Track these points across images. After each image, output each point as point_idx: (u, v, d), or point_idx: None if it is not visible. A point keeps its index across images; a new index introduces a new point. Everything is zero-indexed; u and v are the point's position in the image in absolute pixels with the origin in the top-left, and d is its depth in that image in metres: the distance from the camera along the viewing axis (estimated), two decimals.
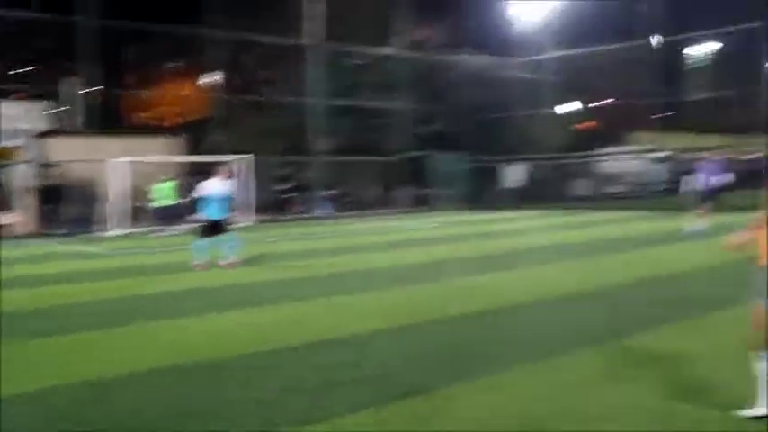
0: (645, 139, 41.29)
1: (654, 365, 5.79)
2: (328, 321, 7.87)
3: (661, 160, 37.92)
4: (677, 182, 33.37)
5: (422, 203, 32.75)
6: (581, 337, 6.87)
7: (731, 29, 35.38)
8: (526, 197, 33.20)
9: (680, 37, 41.37)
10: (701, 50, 52.50)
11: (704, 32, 41.83)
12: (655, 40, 36.84)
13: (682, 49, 50.81)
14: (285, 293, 9.77)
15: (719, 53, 51.97)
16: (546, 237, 17.99)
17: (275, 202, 29.65)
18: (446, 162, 33.91)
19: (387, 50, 34.85)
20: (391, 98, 34.51)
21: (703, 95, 50.29)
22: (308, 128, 31.80)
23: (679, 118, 49.25)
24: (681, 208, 12.39)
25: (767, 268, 4.50)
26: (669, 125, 46.09)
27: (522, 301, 8.82)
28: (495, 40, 38.46)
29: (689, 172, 13.97)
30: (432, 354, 6.38)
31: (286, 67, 33.95)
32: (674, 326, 7.25)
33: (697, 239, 14.86)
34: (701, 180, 17.29)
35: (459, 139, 34.78)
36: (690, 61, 53.74)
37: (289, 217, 28.17)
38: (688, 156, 34.93)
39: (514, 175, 34.63)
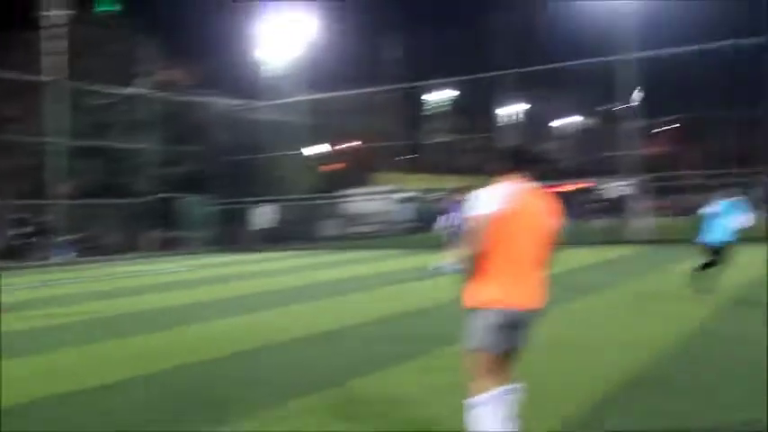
0: (389, 179, 43.77)
1: (375, 409, 5.81)
2: (80, 370, 7.72)
3: (405, 200, 40.36)
4: (422, 220, 35.84)
5: (170, 246, 32.21)
6: (304, 381, 6.77)
7: (466, 77, 38.47)
8: (276, 238, 33.74)
9: (420, 83, 44.43)
10: (440, 97, 56.47)
11: (443, 80, 45.15)
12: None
13: (422, 96, 54.48)
14: (29, 345, 9.37)
15: (456, 100, 56.28)
16: (293, 277, 18.40)
17: (10, 248, 27.76)
18: (195, 204, 33.70)
19: (133, 90, 34.09)
20: (138, 139, 33.73)
21: (442, 139, 54.41)
22: (49, 169, 30.17)
23: (420, 160, 52.75)
24: (440, 245, 13.26)
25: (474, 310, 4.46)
26: (411, 167, 49.11)
27: (257, 344, 8.84)
28: (245, 82, 39.09)
29: (442, 211, 15.20)
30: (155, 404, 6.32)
31: (26, 104, 32.00)
32: (407, 364, 7.41)
33: (444, 275, 15.92)
34: (451, 218, 18.79)
35: (209, 181, 34.75)
36: (429, 107, 57.75)
37: (26, 263, 26.47)
38: (430, 196, 37.61)
39: (264, 216, 35.15)
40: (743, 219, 11.81)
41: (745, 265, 13.51)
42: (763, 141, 29.72)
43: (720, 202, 11.86)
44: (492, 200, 4.37)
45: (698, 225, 12.05)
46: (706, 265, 11.84)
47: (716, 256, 11.76)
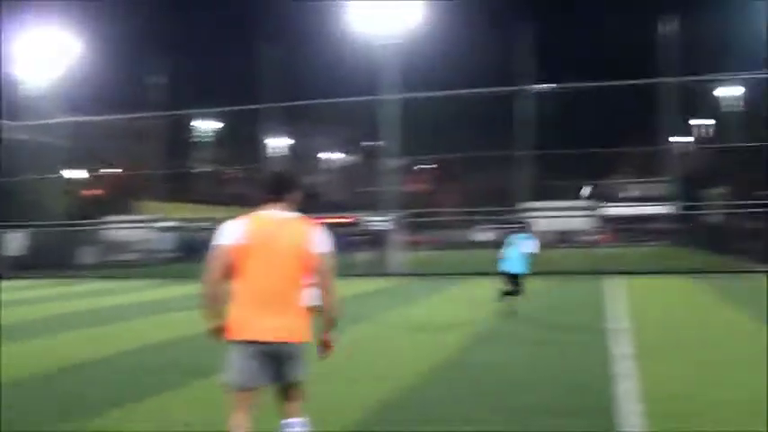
0: (152, 208, 42.45)
1: None
2: None
3: (167, 229, 39.35)
4: (184, 250, 35.34)
5: None
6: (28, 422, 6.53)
7: (234, 108, 38.52)
8: (28, 265, 31.65)
9: (186, 112, 43.72)
10: (206, 126, 55.57)
11: (209, 110, 44.72)
12: None
13: (188, 124, 53.33)
14: None
15: (222, 130, 55.63)
16: (43, 307, 17.53)
17: None
18: None
19: None
20: None
21: (207, 168, 53.74)
22: None
23: (184, 189, 51.64)
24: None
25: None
26: (175, 195, 47.88)
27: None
28: (1, 101, 36.38)
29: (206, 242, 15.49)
30: None
31: None
32: (154, 397, 7.34)
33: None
34: None
35: None
36: (195, 136, 56.67)
37: None
38: (194, 225, 37.07)
39: (15, 242, 32.85)
40: (531, 245, 14.04)
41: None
42: (516, 180, 32.65)
43: (514, 235, 14.20)
44: (236, 231, 4.38)
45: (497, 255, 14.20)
46: (507, 293, 13.87)
47: (515, 284, 13.81)
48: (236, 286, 4.37)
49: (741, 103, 40.41)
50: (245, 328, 4.32)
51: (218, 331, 4.43)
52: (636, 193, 53.70)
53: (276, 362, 4.36)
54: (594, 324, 12.64)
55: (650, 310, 15.27)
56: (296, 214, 4.55)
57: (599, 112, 47.09)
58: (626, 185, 55.06)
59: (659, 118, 28.52)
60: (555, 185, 55.12)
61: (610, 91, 32.14)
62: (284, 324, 4.35)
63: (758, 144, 33.02)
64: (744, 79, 33.79)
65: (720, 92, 40.86)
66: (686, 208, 40.59)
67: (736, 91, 40.24)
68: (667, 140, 34.47)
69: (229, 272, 4.35)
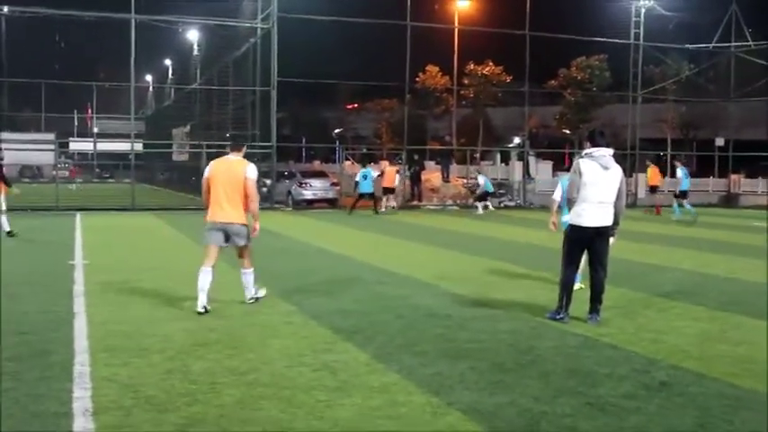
0: None
1: None
2: None
3: None
4: None
5: None
6: None
7: None
8: None
9: None
10: None
11: None
12: None
13: None
14: None
15: None
16: None
17: None
18: None
19: None
20: None
21: None
22: None
23: None
24: None
25: None
26: None
27: None
28: None
29: None
30: None
31: None
32: None
33: None
34: None
35: None
36: None
37: None
38: None
39: None
40: None
41: None
42: None
43: None
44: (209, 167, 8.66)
45: None
46: None
47: None
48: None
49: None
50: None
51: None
52: (105, 129, 53.32)
53: (226, 233, 8.50)
54: (64, 260, 12.58)
55: (114, 246, 15.60)
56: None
57: (70, 42, 45.47)
58: (95, 120, 54.28)
59: (127, 54, 28.57)
60: (19, 117, 51.88)
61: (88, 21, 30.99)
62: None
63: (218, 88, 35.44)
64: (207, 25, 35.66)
65: (192, 35, 42.62)
66: (151, 146, 41.85)
67: (193, 35, 42.51)
68: (140, 78, 34.85)
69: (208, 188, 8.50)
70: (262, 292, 9.01)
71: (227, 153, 8.77)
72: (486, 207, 28.20)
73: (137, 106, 35.00)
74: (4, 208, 16.55)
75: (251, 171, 8.43)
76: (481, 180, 29.07)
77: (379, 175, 27.64)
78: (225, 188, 8.34)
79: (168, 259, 13.43)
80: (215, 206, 8.41)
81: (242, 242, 8.53)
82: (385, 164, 29.31)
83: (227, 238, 8.47)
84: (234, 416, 5.04)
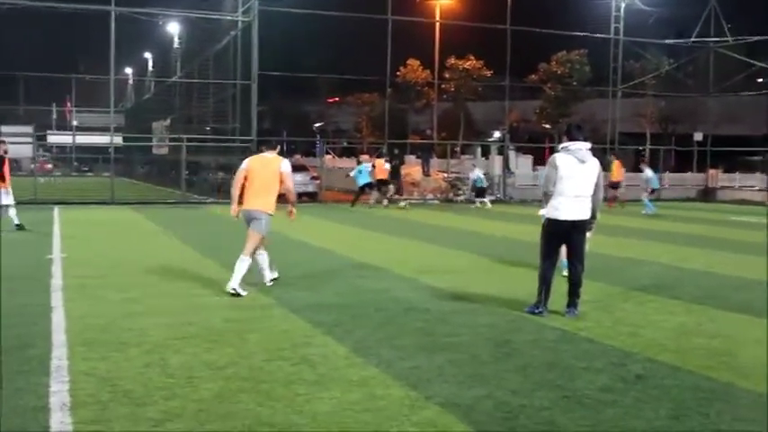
0: None
1: None
2: None
3: None
4: None
5: None
6: None
7: None
8: None
9: None
10: None
11: None
12: None
13: None
14: None
15: None
16: None
17: None
18: None
19: None
20: None
21: None
22: None
23: None
24: None
25: None
26: None
27: None
28: None
29: None
30: None
31: None
32: None
33: None
34: None
35: None
36: None
37: None
38: None
39: None
40: None
41: None
42: None
43: None
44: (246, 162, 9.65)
45: None
46: None
47: None
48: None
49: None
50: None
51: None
52: (84, 122, 52.93)
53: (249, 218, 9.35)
54: (42, 255, 12.50)
55: (92, 240, 15.50)
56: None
57: (49, 34, 45.05)
58: (74, 113, 53.82)
59: (107, 47, 28.33)
60: None
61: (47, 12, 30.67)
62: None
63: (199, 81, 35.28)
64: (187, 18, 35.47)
65: (172, 28, 42.39)
66: (131, 139, 41.56)
67: (173, 28, 42.28)
68: (120, 71, 34.53)
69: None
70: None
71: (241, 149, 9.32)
72: (482, 202, 28.37)
73: (116, 99, 34.72)
74: (12, 202, 16.51)
75: (285, 165, 9.43)
76: (477, 174, 29.26)
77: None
78: (261, 181, 9.26)
79: (147, 253, 13.36)
80: (248, 197, 9.35)
81: (256, 225, 9.24)
82: (366, 157, 29.32)
83: (249, 222, 9.32)
84: (212, 410, 5.04)
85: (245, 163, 9.49)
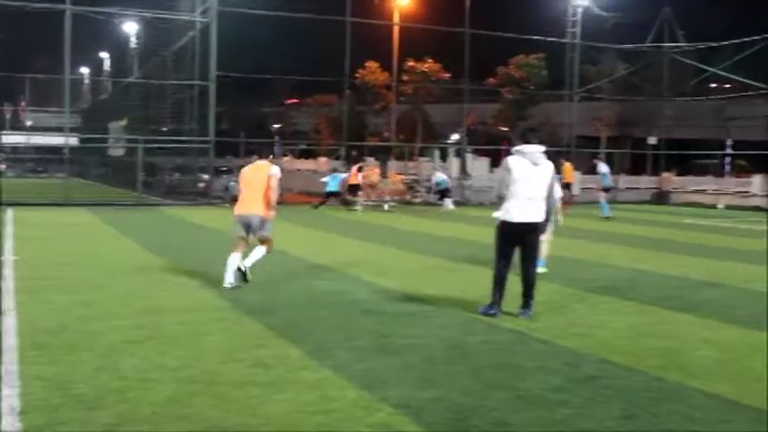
0: None
1: None
2: None
3: None
4: None
5: None
6: None
7: None
8: None
9: None
10: None
11: None
12: None
13: None
14: None
15: None
16: None
17: None
18: None
19: None
20: None
21: None
22: None
23: None
24: None
25: None
26: None
27: None
28: None
29: None
30: None
31: None
32: None
33: None
34: None
35: None
36: None
37: None
38: None
39: None
40: None
41: None
42: None
43: None
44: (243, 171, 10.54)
45: None
46: None
47: None
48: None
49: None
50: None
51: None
52: (39, 122, 52.05)
53: (247, 224, 9.89)
54: None
55: (45, 242, 15.26)
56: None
57: (3, 32, 44.14)
58: (27, 113, 52.90)
59: (61, 46, 27.89)
60: None
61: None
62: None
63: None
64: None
65: (129, 27, 41.87)
66: (87, 140, 40.96)
67: (130, 27, 41.76)
68: (76, 70, 34.04)
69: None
70: (249, 276, 9.89)
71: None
72: (446, 204, 28.56)
73: (72, 99, 34.19)
74: None
75: (274, 169, 10.10)
76: (440, 177, 29.43)
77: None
78: (253, 187, 10.00)
79: (101, 255, 13.20)
80: (242, 202, 10.06)
81: (262, 232, 10.01)
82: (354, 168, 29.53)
83: (249, 227, 9.95)
84: (166, 413, 5.01)
85: (241, 173, 10.44)
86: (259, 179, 10.02)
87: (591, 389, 5.75)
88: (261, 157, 10.48)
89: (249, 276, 9.89)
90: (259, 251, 10.10)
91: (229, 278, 9.76)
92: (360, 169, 28.42)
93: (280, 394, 5.43)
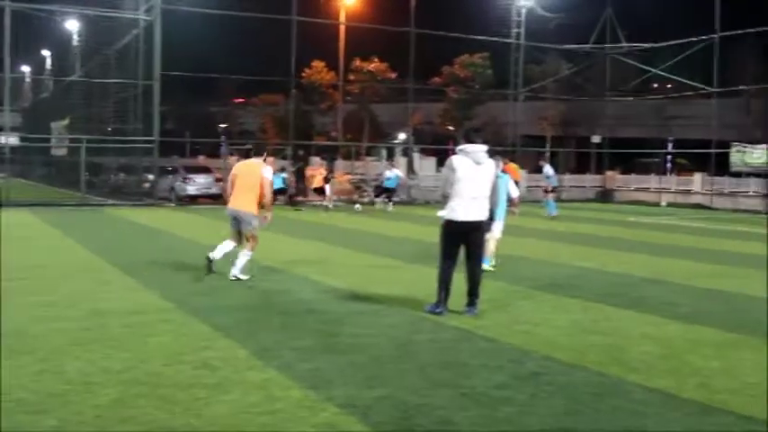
0: None
1: None
2: None
3: None
4: None
5: None
6: None
7: None
8: None
9: None
10: None
11: None
12: None
13: None
14: None
15: None
16: None
17: None
18: None
19: None
20: None
21: None
22: None
23: None
24: None
25: None
26: None
27: None
28: None
29: None
30: None
31: None
32: None
33: None
34: None
35: None
36: None
37: None
38: None
39: None
40: None
41: None
42: None
43: None
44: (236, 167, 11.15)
45: None
46: None
47: None
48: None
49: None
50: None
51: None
52: None
53: (236, 218, 10.58)
54: None
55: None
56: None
57: None
58: None
59: (1, 43, 27.24)
60: None
61: None
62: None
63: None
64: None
65: (71, 25, 41.01)
66: (28, 140, 40.01)
67: (72, 25, 40.94)
68: (16, 69, 33.21)
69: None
70: (244, 277, 10.43)
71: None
72: (385, 203, 28.58)
73: (12, 98, 33.39)
74: None
75: (266, 171, 10.66)
76: (394, 173, 29.49)
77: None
78: (244, 183, 10.49)
79: (43, 257, 12.94)
80: (233, 197, 10.61)
81: (247, 227, 10.52)
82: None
83: (238, 222, 10.56)
84: (110, 416, 4.96)
85: (234, 168, 10.97)
86: (251, 177, 10.53)
87: (534, 385, 5.85)
88: (255, 156, 11.03)
89: (214, 268, 10.65)
90: (243, 257, 10.52)
91: (216, 254, 10.71)
92: (329, 174, 28.30)
93: (225, 395, 5.41)
